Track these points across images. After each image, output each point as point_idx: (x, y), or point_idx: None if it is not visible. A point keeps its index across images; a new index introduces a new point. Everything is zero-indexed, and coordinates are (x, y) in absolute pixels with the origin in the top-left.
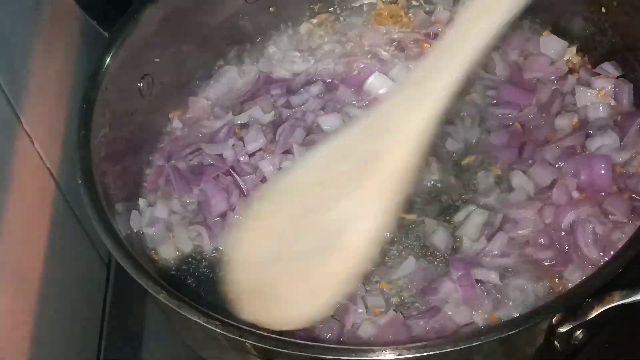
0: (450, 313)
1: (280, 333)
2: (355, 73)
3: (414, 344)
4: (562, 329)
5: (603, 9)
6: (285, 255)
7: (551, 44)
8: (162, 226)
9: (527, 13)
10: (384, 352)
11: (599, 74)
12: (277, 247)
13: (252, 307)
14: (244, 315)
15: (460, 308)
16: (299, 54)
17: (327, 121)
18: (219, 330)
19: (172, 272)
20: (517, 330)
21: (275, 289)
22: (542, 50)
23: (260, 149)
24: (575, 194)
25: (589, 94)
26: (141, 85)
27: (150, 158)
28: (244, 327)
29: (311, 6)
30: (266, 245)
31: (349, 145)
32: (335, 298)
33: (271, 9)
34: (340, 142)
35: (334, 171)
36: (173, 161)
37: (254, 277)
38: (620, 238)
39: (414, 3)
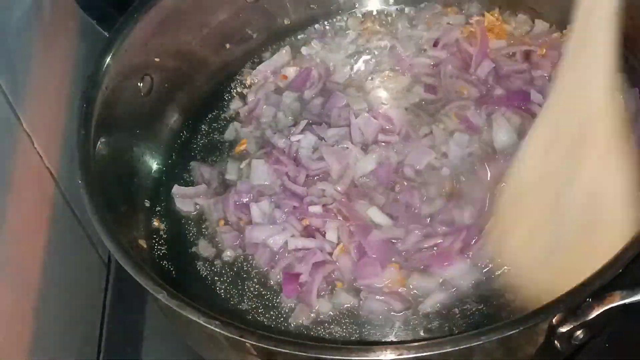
0: None
1: (280, 333)
2: None
3: (414, 344)
4: (562, 329)
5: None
6: (552, 248)
7: None
8: None
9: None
10: (384, 352)
11: None
12: (542, 241)
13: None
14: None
15: None
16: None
17: None
18: (219, 330)
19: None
20: (517, 330)
21: (554, 279)
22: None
23: None
24: None
25: None
26: (141, 85)
27: (150, 158)
28: (244, 327)
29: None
30: (531, 241)
31: (553, 125)
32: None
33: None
34: (544, 126)
35: (555, 154)
36: None
37: (535, 276)
38: None
39: None
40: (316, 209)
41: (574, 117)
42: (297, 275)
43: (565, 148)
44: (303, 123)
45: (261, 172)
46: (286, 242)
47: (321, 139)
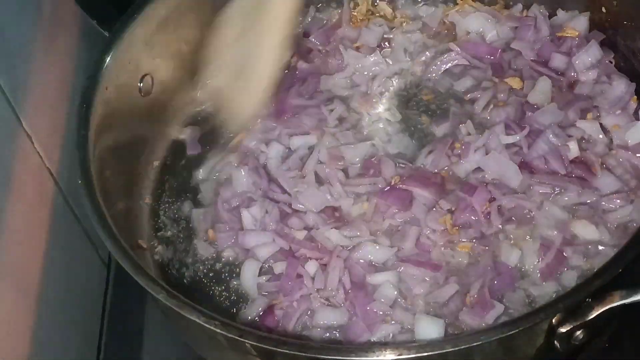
0: None
1: (280, 333)
2: None
3: (414, 344)
4: (562, 329)
5: (603, 9)
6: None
7: None
8: None
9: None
10: (384, 352)
11: None
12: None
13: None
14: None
15: None
16: None
17: None
18: (219, 330)
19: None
20: (517, 330)
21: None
22: None
23: None
24: None
25: None
26: (141, 85)
27: (150, 158)
28: (244, 327)
29: None
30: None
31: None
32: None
33: None
34: None
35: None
36: None
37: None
38: None
39: None
40: (299, 234)
41: None
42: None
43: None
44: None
45: (241, 181)
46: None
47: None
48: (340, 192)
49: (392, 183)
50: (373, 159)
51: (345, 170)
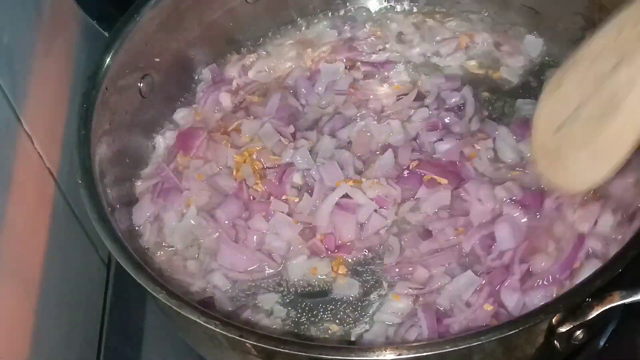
0: None
1: (280, 333)
2: None
3: (413, 344)
4: (562, 329)
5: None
6: (575, 121)
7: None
8: None
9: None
10: (384, 352)
11: None
12: (569, 113)
13: (549, 169)
14: (545, 173)
15: None
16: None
17: None
18: (219, 330)
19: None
20: (517, 330)
21: (567, 151)
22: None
23: None
24: None
25: None
26: (141, 85)
27: (150, 158)
28: (244, 327)
29: None
30: (561, 112)
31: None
32: (617, 161)
33: None
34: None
35: (613, 45)
36: None
37: (551, 141)
38: None
39: None
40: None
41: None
42: None
43: (627, 43)
44: None
45: None
46: None
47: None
48: None
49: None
50: None
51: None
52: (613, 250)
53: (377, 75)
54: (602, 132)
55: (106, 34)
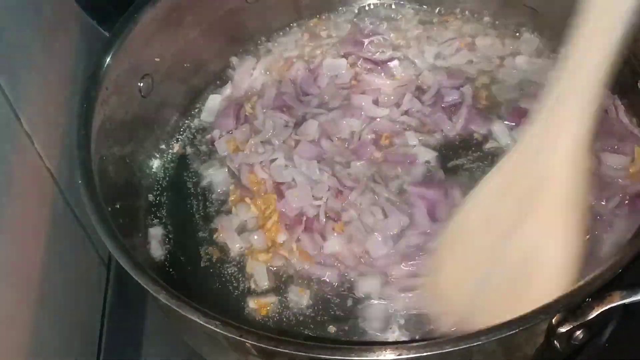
0: None
1: (280, 333)
2: None
3: (413, 344)
4: (562, 329)
5: None
6: (481, 287)
7: None
8: None
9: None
10: (383, 351)
11: None
12: (473, 279)
13: (449, 323)
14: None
15: None
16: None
17: None
18: (219, 330)
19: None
20: (517, 330)
21: (473, 313)
22: None
23: None
24: None
25: None
26: (141, 85)
27: (150, 158)
28: (244, 327)
29: None
30: (464, 276)
31: (512, 174)
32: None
33: None
34: (502, 172)
35: (506, 201)
36: None
37: (455, 301)
38: None
39: None
40: None
41: (533, 172)
42: None
43: (518, 199)
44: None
45: None
46: None
47: None
48: None
49: None
50: None
51: None
52: None
53: (379, 69)
54: (515, 297)
55: (106, 34)
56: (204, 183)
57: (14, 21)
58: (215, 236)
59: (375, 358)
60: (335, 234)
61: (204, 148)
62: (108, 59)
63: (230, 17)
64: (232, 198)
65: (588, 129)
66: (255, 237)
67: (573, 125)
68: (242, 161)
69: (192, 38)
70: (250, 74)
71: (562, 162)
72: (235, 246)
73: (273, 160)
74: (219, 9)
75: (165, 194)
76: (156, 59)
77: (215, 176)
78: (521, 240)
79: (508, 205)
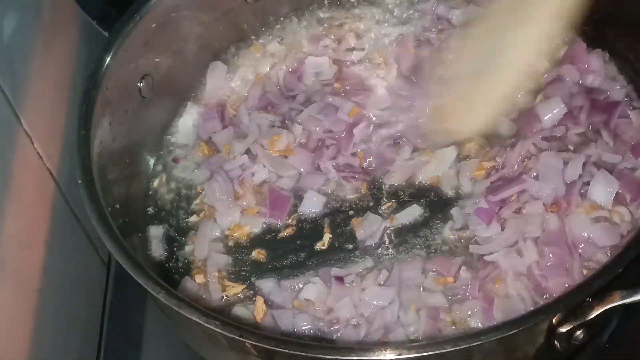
0: None
1: (280, 333)
2: None
3: (413, 344)
4: (563, 329)
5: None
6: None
7: None
8: None
9: None
10: (383, 351)
11: None
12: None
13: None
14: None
15: None
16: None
17: None
18: (219, 330)
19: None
20: (517, 330)
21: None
22: None
23: None
24: None
25: None
26: (141, 85)
27: (149, 157)
28: (244, 327)
29: None
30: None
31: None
32: (498, 110)
33: None
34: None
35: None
36: None
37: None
38: None
39: None
40: None
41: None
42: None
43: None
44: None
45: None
46: None
47: None
48: None
49: None
50: None
51: None
52: None
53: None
54: (485, 86)
55: (106, 34)
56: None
57: (14, 21)
58: None
59: (375, 358)
60: None
61: None
62: (108, 59)
63: (230, 17)
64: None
65: None
66: None
67: None
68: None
69: (193, 38)
70: (228, 78)
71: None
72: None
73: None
74: (219, 9)
75: (165, 193)
76: (156, 59)
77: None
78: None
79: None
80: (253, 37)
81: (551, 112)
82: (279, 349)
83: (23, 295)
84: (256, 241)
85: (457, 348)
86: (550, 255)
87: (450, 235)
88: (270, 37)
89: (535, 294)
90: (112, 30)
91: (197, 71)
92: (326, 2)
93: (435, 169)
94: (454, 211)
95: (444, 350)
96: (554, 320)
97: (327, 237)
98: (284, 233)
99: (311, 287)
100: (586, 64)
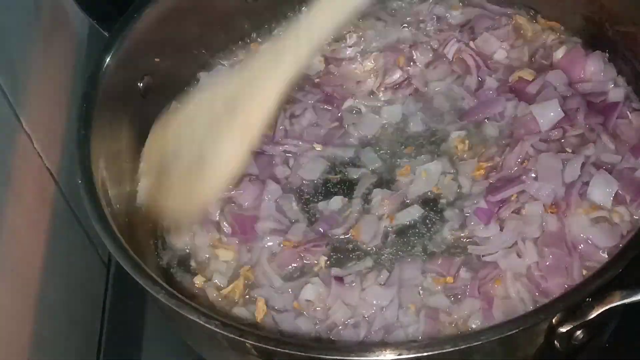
0: None
1: (281, 333)
2: None
3: (413, 344)
4: (563, 329)
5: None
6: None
7: None
8: None
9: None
10: (383, 351)
11: None
12: (171, 161)
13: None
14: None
15: None
16: None
17: None
18: (219, 330)
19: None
20: (517, 330)
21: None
22: None
23: None
24: None
25: None
26: (141, 85)
27: None
28: (244, 327)
29: None
30: (168, 155)
31: (229, 91)
32: (207, 199)
33: None
34: (222, 88)
35: (218, 110)
36: None
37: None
38: None
39: None
40: None
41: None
42: None
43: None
44: None
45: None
46: None
47: None
48: None
49: None
50: None
51: None
52: None
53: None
54: (193, 180)
55: (106, 34)
56: None
57: (13, 21)
58: None
59: (375, 358)
60: None
61: None
62: (108, 59)
63: (230, 17)
64: None
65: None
66: None
67: (280, 73)
68: None
69: (193, 38)
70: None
71: (263, 94)
72: None
73: None
74: (219, 8)
75: None
76: (156, 59)
77: None
78: (214, 143)
79: (216, 115)
80: (253, 37)
81: (547, 115)
82: (279, 349)
83: (23, 295)
84: None
85: (457, 348)
86: (550, 255)
87: (450, 235)
88: (270, 37)
89: (535, 295)
90: (112, 30)
91: (197, 71)
92: None
93: (424, 186)
94: (453, 211)
95: (444, 350)
96: (553, 321)
97: None
98: None
99: (311, 288)
100: (582, 71)
